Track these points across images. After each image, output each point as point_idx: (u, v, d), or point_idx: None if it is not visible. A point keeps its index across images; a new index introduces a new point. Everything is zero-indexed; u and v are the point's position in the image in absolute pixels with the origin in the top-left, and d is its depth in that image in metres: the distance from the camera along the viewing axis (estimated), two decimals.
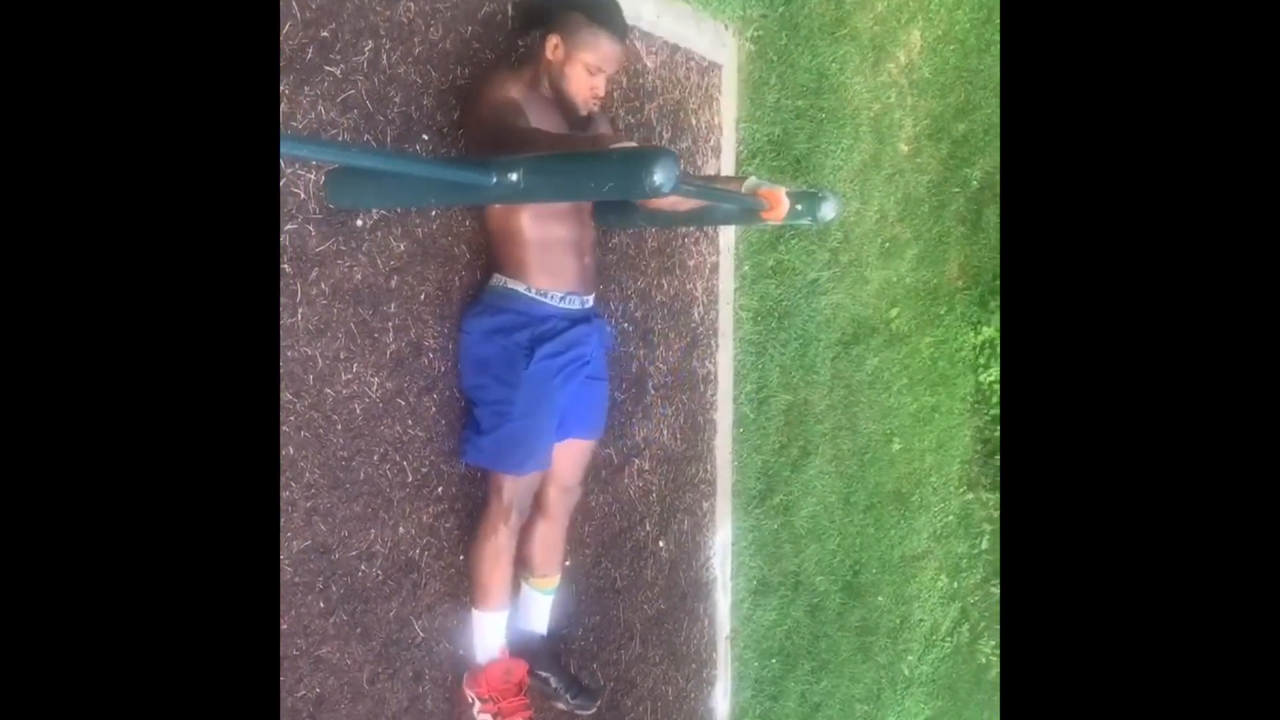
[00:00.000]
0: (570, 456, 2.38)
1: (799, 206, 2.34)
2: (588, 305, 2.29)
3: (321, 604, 1.98)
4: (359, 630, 2.06)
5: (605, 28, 2.09)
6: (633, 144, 1.91)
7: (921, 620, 4.74)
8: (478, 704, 2.29)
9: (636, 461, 2.91)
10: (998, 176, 4.84)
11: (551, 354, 2.17)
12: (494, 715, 2.27)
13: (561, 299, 2.21)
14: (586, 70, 2.10)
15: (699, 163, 3.16)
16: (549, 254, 2.18)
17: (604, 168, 1.66)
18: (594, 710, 2.57)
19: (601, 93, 2.16)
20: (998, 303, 4.80)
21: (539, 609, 2.47)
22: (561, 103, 2.13)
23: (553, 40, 2.10)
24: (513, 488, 2.22)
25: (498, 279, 2.21)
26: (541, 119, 2.06)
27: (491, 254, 2.25)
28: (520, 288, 2.18)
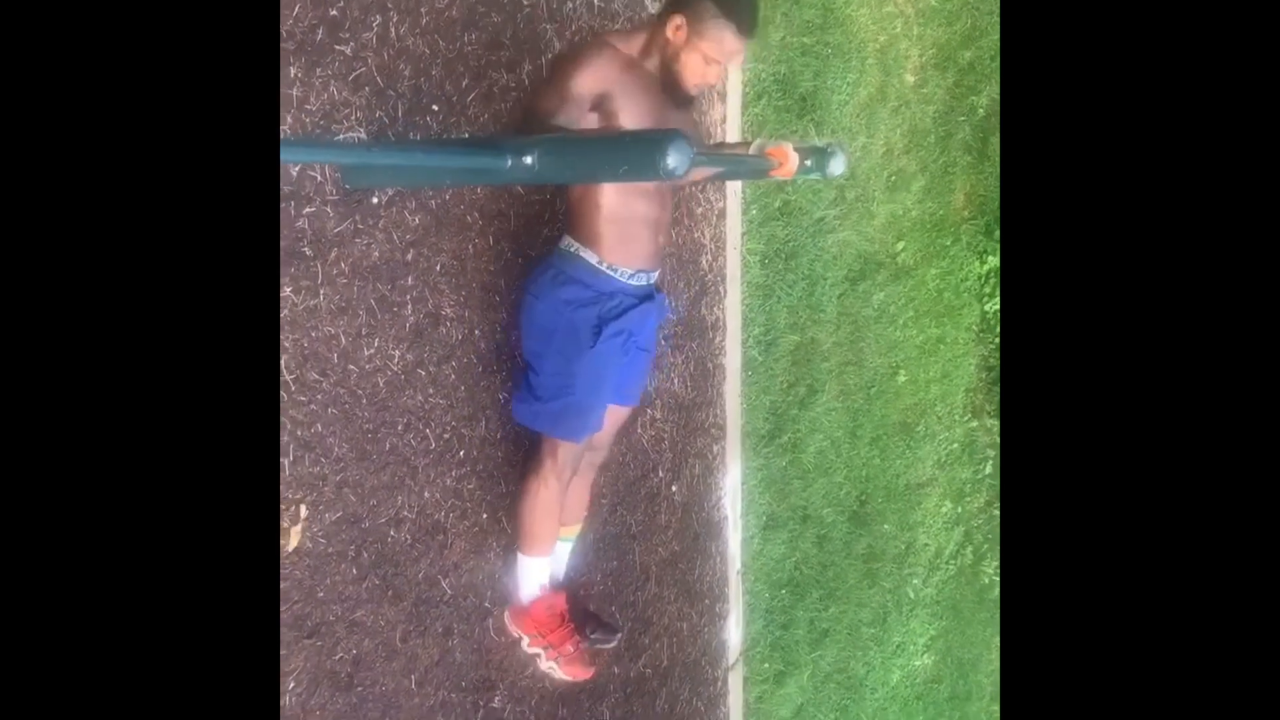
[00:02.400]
0: (608, 420, 2.41)
1: (808, 162, 2.35)
2: (653, 281, 2.28)
3: (354, 571, 2.07)
4: (390, 593, 2.15)
5: (734, 22, 2.02)
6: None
7: (926, 545, 4.86)
8: (526, 640, 2.40)
9: (649, 411, 2.98)
10: None
11: (616, 333, 2.17)
12: (545, 648, 2.38)
13: (631, 276, 2.18)
14: (703, 59, 2.05)
15: (705, 108, 3.15)
16: (626, 230, 2.14)
17: (617, 151, 1.68)
18: (615, 643, 2.67)
19: (714, 81, 2.11)
20: None
21: (559, 554, 2.56)
22: (667, 83, 2.09)
23: (676, 21, 2.04)
24: (568, 450, 2.26)
25: (569, 242, 2.18)
26: (640, 93, 2.03)
27: (567, 217, 2.22)
28: (591, 258, 2.15)
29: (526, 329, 2.25)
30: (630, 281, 2.19)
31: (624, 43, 2.10)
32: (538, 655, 2.44)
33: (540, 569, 2.40)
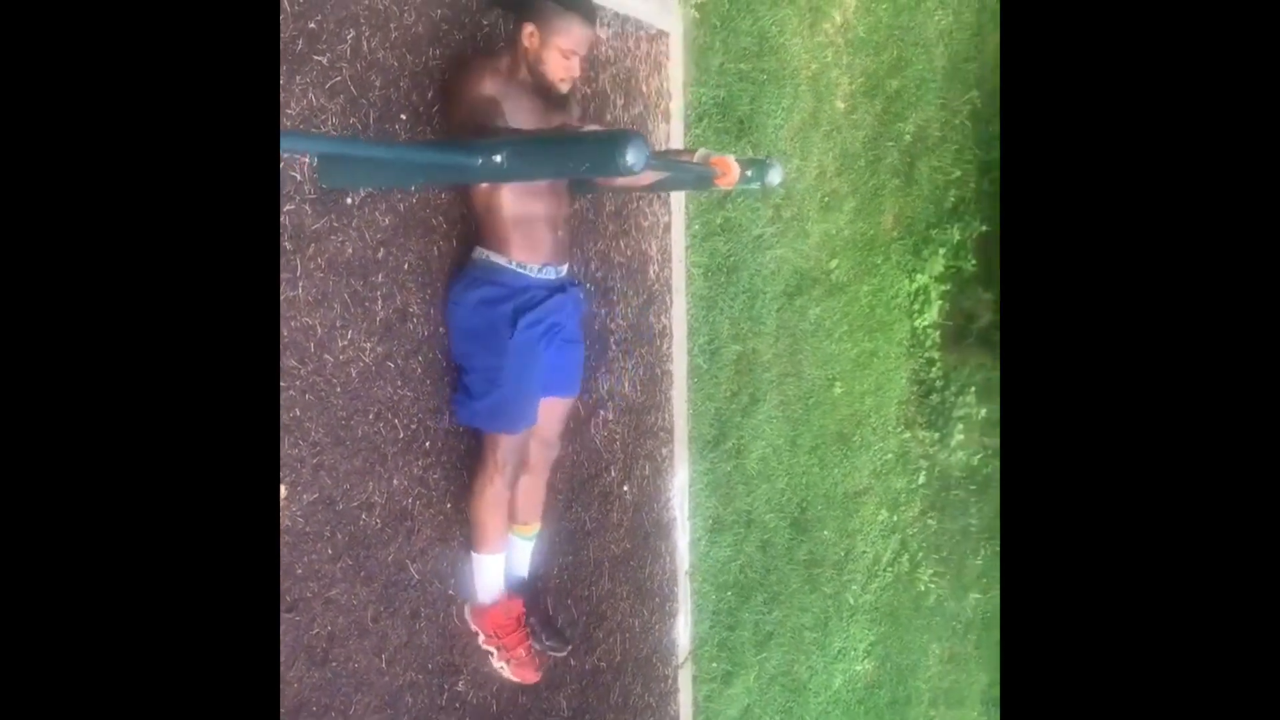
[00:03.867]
0: (550, 414, 2.57)
1: (748, 173, 2.54)
2: (562, 274, 2.47)
3: (330, 550, 2.17)
4: (362, 574, 2.26)
5: (577, 13, 2.24)
6: (596, 126, 2.08)
7: (864, 552, 5.04)
8: (482, 636, 2.53)
9: (601, 413, 3.12)
10: (929, 130, 5.07)
11: (533, 323, 2.35)
12: (499, 649, 2.51)
13: (540, 270, 2.38)
14: (561, 54, 2.25)
15: (650, 128, 3.33)
16: (528, 229, 2.34)
17: (581, 151, 1.84)
18: (564, 653, 2.81)
19: (577, 72, 2.31)
20: (930, 250, 5.06)
21: (521, 554, 2.69)
22: (539, 85, 2.28)
23: (528, 29, 2.24)
24: (507, 444, 2.41)
25: (480, 252, 2.37)
26: (520, 103, 2.22)
27: (474, 229, 2.40)
28: (502, 260, 2.34)
29: (453, 335, 2.43)
30: (540, 275, 2.38)
31: (494, 62, 2.31)
32: (490, 654, 2.56)
33: (495, 566, 2.52)
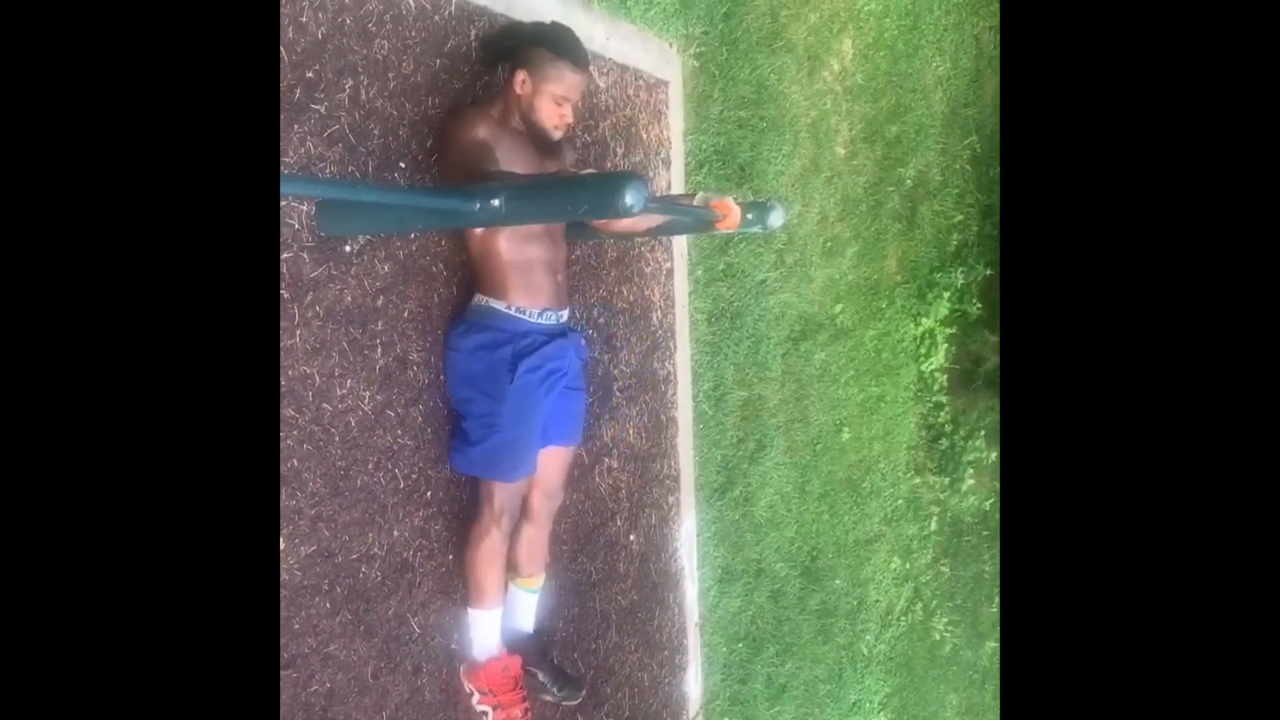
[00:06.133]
0: (552, 463, 2.53)
1: (749, 215, 2.53)
2: (563, 320, 2.44)
3: (328, 604, 2.12)
4: (362, 628, 2.21)
5: (568, 60, 2.25)
6: (593, 170, 2.07)
7: (877, 601, 4.96)
8: (477, 696, 2.44)
9: (606, 460, 3.08)
10: (930, 174, 5.09)
11: (533, 368, 2.31)
12: (494, 708, 2.43)
13: (539, 315, 2.35)
14: (554, 100, 2.26)
15: (651, 175, 3.33)
16: (526, 274, 2.32)
17: (580, 191, 1.82)
18: (579, 700, 2.73)
19: (570, 119, 2.32)
20: (935, 294, 5.05)
21: (525, 608, 2.63)
22: (533, 132, 2.28)
23: (520, 76, 2.26)
24: (503, 494, 2.37)
25: (479, 298, 2.35)
26: (514, 150, 2.22)
27: (473, 275, 2.39)
28: (501, 306, 2.32)
29: (451, 381, 2.40)
30: (539, 320, 2.36)
31: (486, 109, 2.29)
32: (485, 714, 2.47)
33: (491, 622, 2.46)
